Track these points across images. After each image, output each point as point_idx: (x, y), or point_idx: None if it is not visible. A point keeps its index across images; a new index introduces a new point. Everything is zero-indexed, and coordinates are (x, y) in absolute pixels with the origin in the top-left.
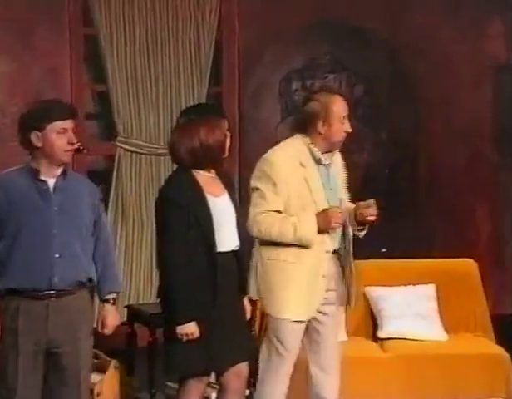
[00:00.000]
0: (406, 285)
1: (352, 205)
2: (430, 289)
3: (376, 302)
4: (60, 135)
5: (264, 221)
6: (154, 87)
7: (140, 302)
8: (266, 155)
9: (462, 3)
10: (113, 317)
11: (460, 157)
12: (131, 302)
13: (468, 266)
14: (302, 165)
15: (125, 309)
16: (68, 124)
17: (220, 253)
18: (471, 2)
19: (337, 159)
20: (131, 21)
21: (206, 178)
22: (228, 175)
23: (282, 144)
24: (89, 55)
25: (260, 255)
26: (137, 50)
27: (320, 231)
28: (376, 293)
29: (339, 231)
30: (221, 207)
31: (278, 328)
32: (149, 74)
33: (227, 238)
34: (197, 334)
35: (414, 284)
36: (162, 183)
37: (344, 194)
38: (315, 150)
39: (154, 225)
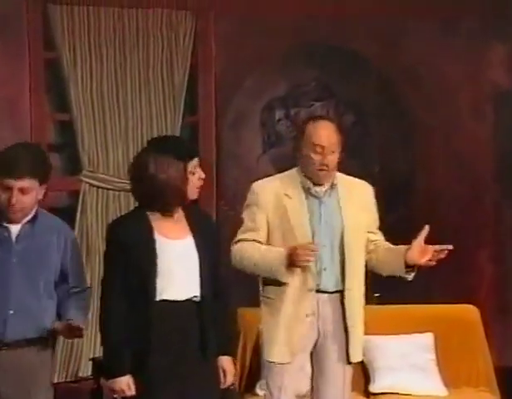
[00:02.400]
0: (400, 334)
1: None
2: (427, 338)
3: (368, 352)
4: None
5: (238, 250)
6: (122, 116)
7: None
8: (253, 184)
9: (460, 27)
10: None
11: (459, 193)
12: (97, 355)
13: (469, 313)
14: (287, 195)
15: (91, 362)
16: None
17: (167, 301)
18: (470, 26)
19: (345, 193)
20: (97, 44)
21: (163, 218)
22: (205, 217)
23: (268, 178)
24: (51, 81)
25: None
26: (104, 76)
27: (289, 266)
28: (369, 342)
29: (328, 268)
30: (175, 251)
31: (267, 373)
32: (117, 102)
33: (179, 286)
34: (131, 392)
35: (410, 333)
36: None
37: (355, 233)
38: (304, 179)
39: None
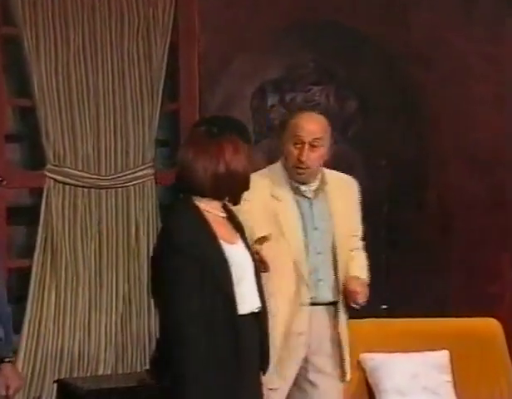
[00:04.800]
0: (411, 351)
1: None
2: (442, 357)
3: (373, 372)
4: None
5: None
6: (92, 103)
7: (74, 375)
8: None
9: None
10: (17, 375)
11: (478, 190)
12: (62, 376)
13: (490, 327)
14: (274, 197)
15: (55, 384)
16: None
17: (240, 316)
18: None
19: (335, 192)
20: (64, 19)
21: (218, 219)
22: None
23: (256, 173)
24: (9, 61)
25: None
26: (71, 56)
27: None
28: (375, 360)
29: (325, 278)
30: (238, 258)
31: None
32: (86, 87)
33: (247, 298)
34: None
35: (422, 350)
36: (104, 222)
37: (346, 237)
38: (289, 178)
39: (93, 277)
